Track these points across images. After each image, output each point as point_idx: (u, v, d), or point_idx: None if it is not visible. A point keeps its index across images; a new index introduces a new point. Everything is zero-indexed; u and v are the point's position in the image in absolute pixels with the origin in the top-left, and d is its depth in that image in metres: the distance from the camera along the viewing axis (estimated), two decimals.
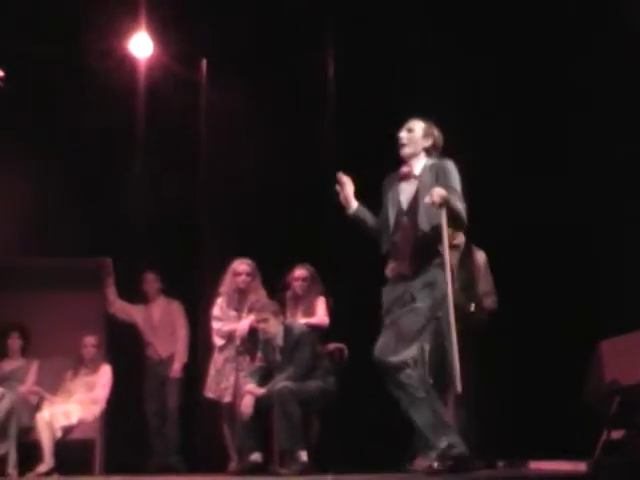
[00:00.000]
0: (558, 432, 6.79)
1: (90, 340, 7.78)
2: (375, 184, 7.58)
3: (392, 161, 7.55)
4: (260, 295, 7.21)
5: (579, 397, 6.48)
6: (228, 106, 8.36)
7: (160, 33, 8.33)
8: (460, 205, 5.16)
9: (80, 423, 7.56)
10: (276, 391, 6.49)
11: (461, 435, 6.43)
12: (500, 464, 6.55)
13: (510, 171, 7.54)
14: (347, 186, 5.50)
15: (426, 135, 5.46)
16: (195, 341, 8.22)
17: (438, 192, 5.03)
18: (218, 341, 7.22)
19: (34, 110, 8.45)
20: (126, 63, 8.42)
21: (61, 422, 7.37)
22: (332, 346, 7.05)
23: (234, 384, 7.07)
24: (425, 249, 5.18)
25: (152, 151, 8.68)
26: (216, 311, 7.26)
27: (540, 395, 7.03)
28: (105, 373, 7.74)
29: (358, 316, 7.34)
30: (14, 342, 7.81)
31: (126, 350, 8.29)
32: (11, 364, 7.85)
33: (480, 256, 6.93)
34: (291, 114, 8.13)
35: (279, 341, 6.75)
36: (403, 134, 5.48)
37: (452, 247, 6.88)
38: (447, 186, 5.15)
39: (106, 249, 8.22)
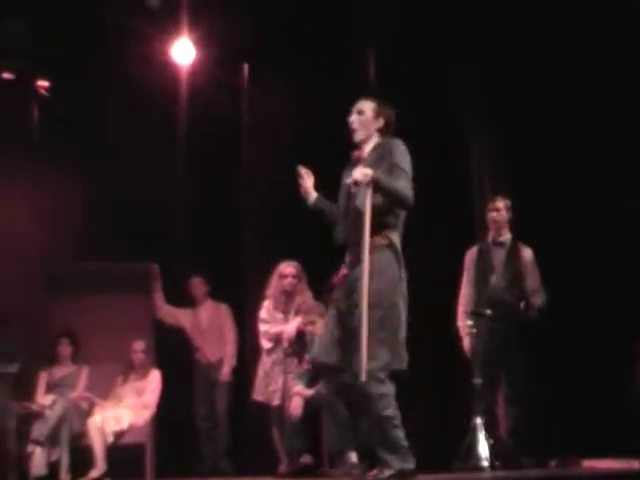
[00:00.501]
0: (610, 430, 6.71)
1: (139, 345, 7.83)
2: (417, 186, 7.64)
3: (432, 162, 7.61)
4: (306, 297, 7.21)
5: (630, 394, 6.41)
6: (270, 109, 8.37)
7: (202, 38, 8.34)
8: (399, 183, 4.90)
9: (131, 428, 7.62)
10: (324, 392, 6.47)
11: (511, 432, 6.43)
12: (552, 463, 6.49)
13: (558, 168, 7.46)
14: (307, 178, 5.35)
15: (377, 115, 5.19)
16: (243, 344, 8.25)
17: (361, 171, 4.84)
18: (266, 344, 7.23)
19: (79, 118, 8.53)
20: (168, 69, 8.46)
21: (112, 427, 7.43)
22: None
23: (282, 386, 7.07)
24: (376, 232, 4.90)
25: (195, 156, 8.72)
26: (263, 314, 7.27)
27: (591, 392, 6.96)
28: (154, 378, 7.79)
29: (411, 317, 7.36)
30: (64, 349, 7.89)
31: (175, 355, 8.34)
32: (62, 370, 7.94)
33: (527, 253, 6.88)
34: (332, 115, 8.11)
35: None
36: (353, 117, 5.21)
37: (498, 244, 6.87)
38: (391, 164, 4.96)
39: (153, 253, 8.27)
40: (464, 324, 6.68)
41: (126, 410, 7.63)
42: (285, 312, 7.21)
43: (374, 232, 4.86)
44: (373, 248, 4.85)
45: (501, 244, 6.90)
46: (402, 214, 5.06)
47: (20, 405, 8.00)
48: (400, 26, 7.80)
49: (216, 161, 8.59)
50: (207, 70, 8.42)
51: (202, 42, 8.37)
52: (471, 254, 6.98)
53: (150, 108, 8.37)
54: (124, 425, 7.54)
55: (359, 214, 4.88)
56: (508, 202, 6.90)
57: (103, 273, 8.70)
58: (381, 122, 5.18)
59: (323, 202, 5.33)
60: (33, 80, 8.94)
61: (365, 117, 5.18)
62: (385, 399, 4.89)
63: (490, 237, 6.96)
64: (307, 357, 6.90)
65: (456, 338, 6.83)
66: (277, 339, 7.14)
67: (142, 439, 7.79)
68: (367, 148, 5.18)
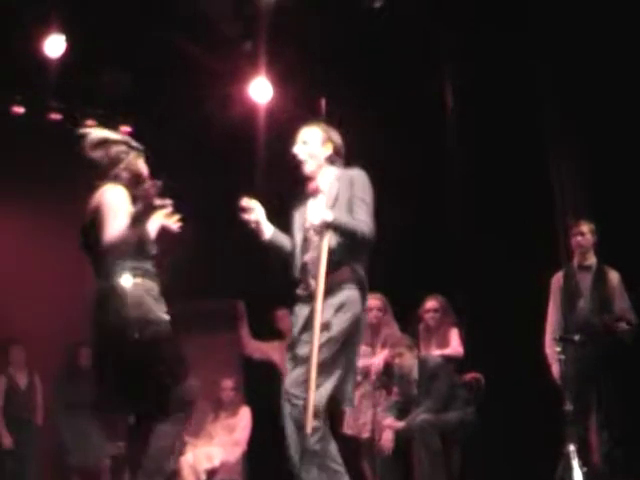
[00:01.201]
0: None
1: (228, 383, 7.89)
2: (496, 214, 7.60)
3: (514, 187, 7.56)
4: (393, 329, 7.20)
5: None
6: (348, 143, 8.40)
7: (279, 76, 8.43)
8: (359, 219, 4.76)
9: (222, 465, 7.67)
10: (416, 424, 6.46)
11: (605, 459, 6.31)
12: None
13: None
14: (255, 212, 4.87)
15: (324, 143, 4.91)
16: None
17: (320, 215, 4.64)
18: None
19: (160, 159, 8.66)
20: (247, 108, 8.56)
21: (204, 465, 7.49)
22: (469, 376, 6.98)
23: (372, 420, 7.05)
24: (336, 268, 4.68)
25: (273, 193, 8.78)
26: None
27: None
28: (245, 415, 7.83)
29: (492, 344, 7.29)
30: None
31: (264, 391, 8.36)
32: None
33: (614, 276, 6.79)
34: (412, 148, 8.13)
35: (415, 374, 6.72)
36: (298, 148, 4.89)
37: (584, 268, 6.79)
38: (352, 197, 4.77)
39: (237, 290, 8.34)
40: (552, 350, 6.60)
41: (217, 448, 7.68)
42: (372, 345, 7.21)
43: (338, 267, 4.69)
44: (338, 284, 4.70)
45: (587, 268, 6.82)
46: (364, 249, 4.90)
47: (114, 445, 8.14)
48: (477, 49, 7.78)
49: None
50: (285, 108, 8.48)
51: (279, 80, 8.46)
52: (557, 279, 6.91)
53: (230, 147, 8.48)
54: (216, 463, 7.59)
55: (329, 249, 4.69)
56: (592, 226, 6.83)
57: (190, 312, 8.78)
58: (329, 149, 4.93)
59: (279, 236, 4.97)
60: (115, 125, 9.13)
61: (311, 147, 4.90)
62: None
63: (575, 261, 6.89)
64: (395, 389, 6.89)
65: (545, 365, 6.76)
66: (365, 373, 7.13)
67: (234, 476, 7.83)
68: (322, 179, 4.91)
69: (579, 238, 6.81)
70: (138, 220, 4.40)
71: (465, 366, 7.09)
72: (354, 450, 7.29)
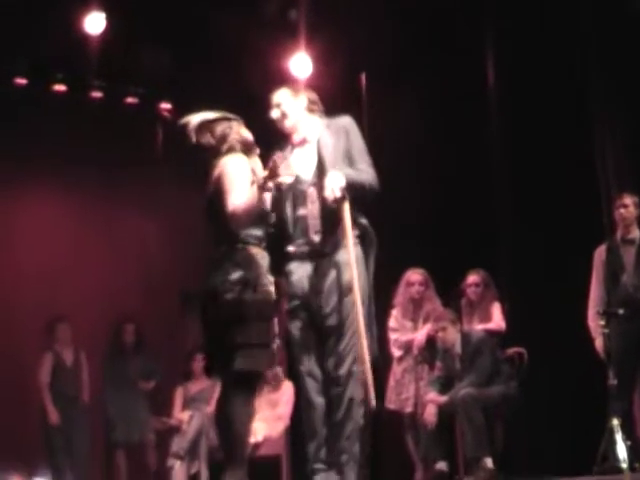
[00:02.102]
0: None
1: None
2: (539, 187, 7.55)
3: (558, 160, 7.50)
4: (435, 304, 7.20)
5: None
6: (390, 118, 8.38)
7: (319, 52, 8.41)
8: (365, 171, 4.68)
9: (266, 440, 7.71)
10: (459, 398, 6.46)
11: None
12: None
13: None
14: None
15: (295, 95, 4.84)
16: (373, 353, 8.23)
17: (334, 184, 4.48)
18: (396, 352, 7.23)
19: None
20: (287, 84, 8.53)
21: None
22: (511, 351, 6.97)
23: (415, 394, 7.06)
24: (337, 222, 4.57)
25: None
26: (392, 322, 7.28)
27: None
28: (287, 390, 7.86)
29: (535, 318, 7.27)
30: (199, 364, 8.02)
31: None
32: (197, 386, 8.10)
33: None
34: (454, 120, 8.08)
35: (458, 349, 6.72)
36: (274, 112, 4.81)
37: (627, 242, 6.72)
38: (350, 149, 4.70)
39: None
40: (596, 324, 6.55)
41: (260, 423, 7.71)
42: (414, 320, 7.21)
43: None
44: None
45: (630, 241, 6.74)
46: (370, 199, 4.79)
47: (158, 420, 8.23)
48: (523, 22, 7.70)
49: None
50: (325, 83, 8.44)
51: (319, 55, 8.44)
52: (600, 253, 6.84)
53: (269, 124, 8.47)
54: (259, 437, 7.63)
55: (330, 216, 4.60)
56: (636, 198, 6.75)
57: None
58: (304, 100, 4.83)
59: None
60: (156, 104, 9.19)
61: (284, 104, 4.81)
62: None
63: (619, 235, 6.81)
64: (438, 364, 6.89)
65: (588, 339, 6.72)
66: (407, 347, 7.14)
67: (277, 451, 7.86)
68: (307, 129, 4.80)
69: (622, 211, 6.73)
70: (260, 188, 4.40)
71: (508, 341, 7.08)
72: (397, 425, 7.33)
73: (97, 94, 8.86)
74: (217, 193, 4.52)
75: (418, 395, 7.01)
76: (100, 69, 8.51)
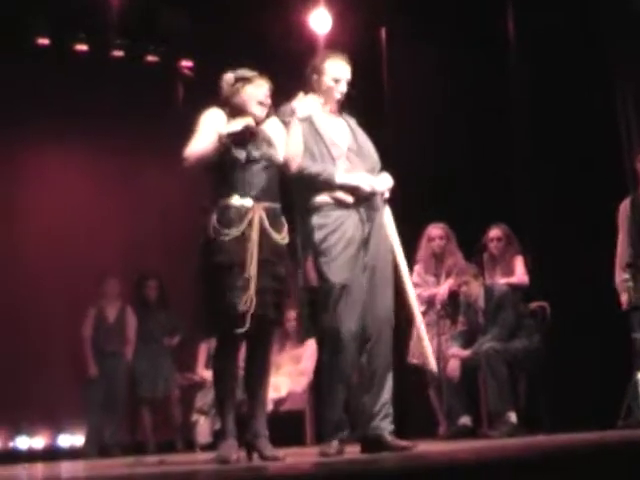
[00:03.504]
0: None
1: (292, 314, 7.94)
2: (561, 141, 7.48)
3: (577, 114, 7.43)
4: (457, 258, 7.19)
5: None
6: (409, 73, 8.33)
7: (338, 6, 8.36)
8: None
9: (289, 395, 7.76)
10: (482, 352, 6.48)
11: None
12: None
13: None
14: None
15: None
16: (396, 308, 8.23)
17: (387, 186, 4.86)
18: (419, 307, 7.23)
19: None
20: (307, 40, 8.51)
21: (271, 395, 7.54)
22: (534, 304, 6.96)
23: (437, 348, 7.07)
24: None
25: None
26: (414, 277, 7.27)
27: None
28: (310, 345, 7.88)
29: (558, 272, 7.24)
30: None
31: None
32: None
33: None
34: (474, 75, 8.02)
35: (481, 303, 6.73)
36: (344, 87, 4.92)
37: None
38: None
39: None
40: (621, 278, 6.52)
41: (284, 378, 7.77)
42: (436, 275, 7.21)
43: None
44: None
45: None
46: None
47: (183, 376, 8.30)
48: None
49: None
50: (345, 39, 8.39)
51: (339, 10, 8.39)
52: (624, 207, 6.77)
53: (290, 80, 8.44)
54: (283, 393, 7.68)
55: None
56: None
57: None
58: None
59: None
60: (176, 61, 9.18)
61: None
62: None
63: None
64: (461, 319, 6.90)
65: (612, 292, 6.69)
66: (430, 302, 7.14)
67: (301, 406, 7.90)
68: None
69: None
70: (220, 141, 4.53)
71: (531, 295, 7.07)
72: (421, 379, 7.35)
73: (118, 53, 8.87)
74: None
75: (440, 350, 7.01)
76: (120, 28, 8.52)
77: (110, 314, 8.35)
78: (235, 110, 4.68)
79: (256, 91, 4.69)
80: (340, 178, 4.66)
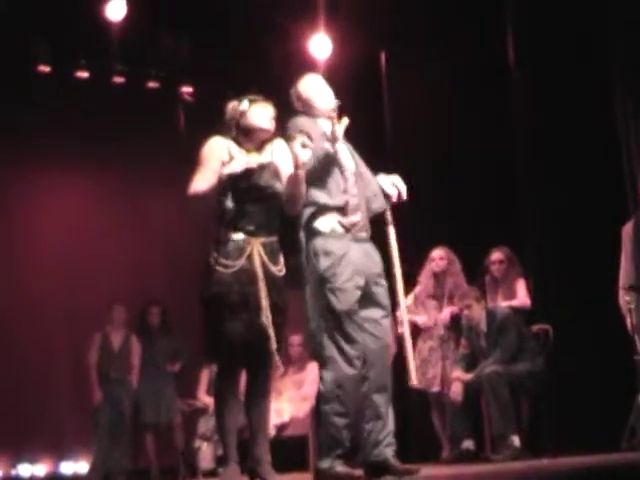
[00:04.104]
0: None
1: (296, 339, 7.94)
2: (562, 164, 7.49)
3: (580, 136, 7.44)
4: (459, 280, 7.18)
5: None
6: (409, 97, 8.36)
7: (338, 32, 8.40)
8: None
9: (292, 420, 7.74)
10: (485, 376, 6.47)
11: None
12: None
13: None
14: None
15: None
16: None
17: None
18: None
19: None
20: (307, 65, 8.53)
21: (274, 420, 7.54)
22: (537, 327, 6.96)
23: (441, 373, 7.05)
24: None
25: None
26: (409, 301, 7.27)
27: None
28: (312, 370, 7.87)
29: (560, 294, 7.23)
30: None
31: None
32: None
33: None
34: (474, 97, 8.04)
35: (483, 326, 6.72)
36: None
37: None
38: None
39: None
40: (624, 301, 6.52)
41: (286, 403, 7.75)
42: (437, 297, 7.20)
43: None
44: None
45: None
46: None
47: (185, 402, 8.28)
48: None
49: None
50: (344, 64, 8.44)
51: (339, 35, 8.42)
52: (627, 230, 6.77)
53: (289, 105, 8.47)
54: (285, 418, 7.66)
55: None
56: None
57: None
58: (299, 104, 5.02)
59: None
60: (177, 87, 9.21)
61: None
62: None
63: None
64: (463, 342, 6.89)
65: (615, 314, 6.68)
66: (430, 327, 7.14)
67: (303, 431, 7.87)
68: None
69: None
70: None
71: (534, 317, 7.06)
72: (423, 404, 7.33)
73: (119, 79, 8.91)
74: None
75: (445, 374, 7.00)
76: (121, 54, 8.56)
77: (115, 341, 8.35)
78: (242, 132, 4.71)
79: (264, 110, 4.72)
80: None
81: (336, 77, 8.35)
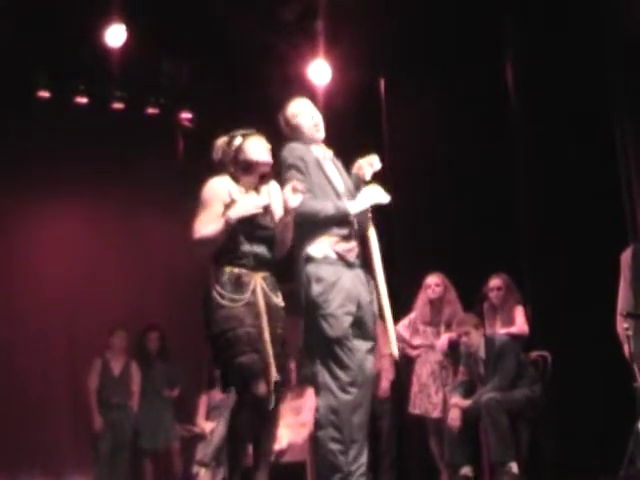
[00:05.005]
0: None
1: (294, 365, 7.92)
2: (562, 191, 7.50)
3: (579, 162, 7.45)
4: (455, 308, 7.19)
5: None
6: (409, 124, 8.38)
7: (337, 58, 8.44)
8: None
9: (290, 446, 7.71)
10: (483, 402, 6.45)
11: None
12: None
13: None
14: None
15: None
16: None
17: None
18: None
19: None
20: (306, 91, 8.57)
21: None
22: (535, 354, 6.95)
23: (443, 400, 7.03)
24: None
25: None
26: (400, 327, 7.26)
27: None
28: (311, 396, 7.83)
29: (559, 322, 7.23)
30: None
31: None
32: (221, 393, 8.11)
33: None
34: (474, 125, 8.07)
35: (481, 354, 6.71)
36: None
37: None
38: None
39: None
40: (622, 328, 6.51)
41: (284, 429, 7.72)
42: (434, 324, 7.20)
43: None
44: None
45: None
46: None
47: (183, 428, 8.26)
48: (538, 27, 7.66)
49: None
50: (344, 90, 8.47)
51: (338, 61, 8.46)
52: (626, 257, 6.76)
53: None
54: (283, 444, 7.63)
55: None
56: None
57: None
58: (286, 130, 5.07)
59: None
60: (176, 113, 9.24)
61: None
62: None
63: None
64: (461, 369, 6.88)
65: (613, 341, 6.68)
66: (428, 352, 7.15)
67: (301, 457, 7.85)
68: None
69: None
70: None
71: (532, 344, 7.06)
72: (421, 430, 7.32)
73: (118, 105, 8.93)
74: None
75: (445, 400, 6.99)
76: (121, 80, 8.59)
77: (115, 366, 8.35)
78: (241, 167, 4.77)
79: (259, 143, 4.76)
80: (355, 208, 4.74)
81: (335, 103, 8.47)
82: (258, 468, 4.61)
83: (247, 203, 4.63)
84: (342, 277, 4.68)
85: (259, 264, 4.65)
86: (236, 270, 4.60)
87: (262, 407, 4.58)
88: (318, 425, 4.59)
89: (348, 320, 4.65)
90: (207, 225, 4.61)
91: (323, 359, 4.63)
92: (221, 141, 4.85)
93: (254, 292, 4.58)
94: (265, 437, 4.66)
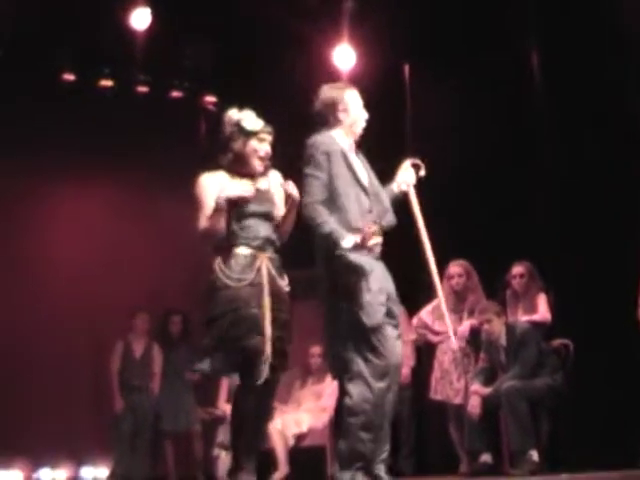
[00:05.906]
0: None
1: (316, 350, 7.94)
2: (585, 178, 7.45)
3: (602, 157, 7.40)
4: (478, 295, 7.17)
5: None
6: (433, 108, 8.35)
7: (362, 42, 8.41)
8: None
9: (310, 431, 7.74)
10: (503, 390, 6.44)
11: None
12: None
13: None
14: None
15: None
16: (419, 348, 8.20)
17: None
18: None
19: None
20: (331, 76, 8.54)
21: (293, 430, 7.58)
22: (557, 342, 6.92)
23: (465, 387, 7.02)
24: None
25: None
26: (423, 314, 7.26)
27: None
28: (331, 382, 7.88)
29: (581, 309, 7.20)
30: None
31: None
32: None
33: None
34: (497, 109, 8.02)
35: (503, 341, 6.69)
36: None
37: None
38: None
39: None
40: None
41: (305, 414, 7.76)
42: (457, 312, 7.18)
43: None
44: None
45: None
46: None
47: (204, 410, 8.29)
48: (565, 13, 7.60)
49: (381, 164, 8.62)
50: (368, 75, 8.43)
51: (362, 46, 8.43)
52: None
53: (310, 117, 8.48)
54: (304, 428, 7.67)
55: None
56: None
57: None
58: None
59: None
60: (200, 97, 9.24)
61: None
62: None
63: None
64: (482, 356, 6.87)
65: (636, 331, 6.64)
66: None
67: (322, 442, 7.88)
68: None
69: None
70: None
71: (554, 332, 7.03)
72: (442, 416, 7.31)
73: (143, 88, 8.95)
74: None
75: (467, 387, 6.97)
76: (145, 64, 8.60)
77: (137, 349, 8.40)
78: (235, 159, 4.86)
79: (259, 146, 4.81)
80: (347, 244, 4.60)
81: (359, 88, 8.42)
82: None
83: (236, 186, 4.72)
84: (375, 269, 4.69)
85: (264, 244, 4.72)
86: (240, 250, 4.67)
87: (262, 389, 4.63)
88: (350, 412, 4.56)
89: (382, 310, 4.65)
90: (206, 219, 4.73)
91: (357, 347, 4.60)
92: (230, 116, 4.91)
93: (259, 271, 4.63)
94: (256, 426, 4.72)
